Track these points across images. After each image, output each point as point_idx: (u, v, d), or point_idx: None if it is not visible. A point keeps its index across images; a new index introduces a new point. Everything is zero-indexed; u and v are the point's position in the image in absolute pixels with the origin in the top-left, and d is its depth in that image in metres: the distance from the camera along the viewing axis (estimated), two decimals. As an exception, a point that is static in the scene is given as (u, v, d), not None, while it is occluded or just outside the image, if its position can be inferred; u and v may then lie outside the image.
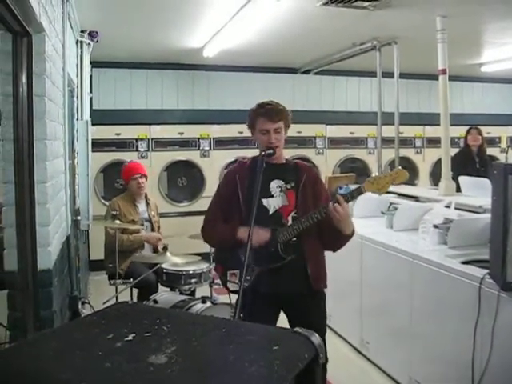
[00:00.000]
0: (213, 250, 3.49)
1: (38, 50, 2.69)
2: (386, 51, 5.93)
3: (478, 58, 7.22)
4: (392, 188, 5.17)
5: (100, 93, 7.05)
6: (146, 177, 4.80)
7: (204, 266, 4.10)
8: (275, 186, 2.68)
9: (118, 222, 4.23)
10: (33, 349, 1.29)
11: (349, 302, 4.22)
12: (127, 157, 6.83)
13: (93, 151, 5.68)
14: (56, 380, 1.12)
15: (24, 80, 2.62)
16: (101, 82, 7.08)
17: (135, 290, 4.25)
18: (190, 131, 7.33)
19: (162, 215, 5.24)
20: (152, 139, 7.17)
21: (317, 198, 2.67)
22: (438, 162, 6.47)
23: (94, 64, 6.17)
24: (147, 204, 4.80)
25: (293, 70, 8.03)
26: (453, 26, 4.75)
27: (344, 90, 8.36)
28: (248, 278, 2.53)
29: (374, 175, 2.57)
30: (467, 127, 6.20)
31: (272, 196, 2.67)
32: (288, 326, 2.78)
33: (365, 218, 4.63)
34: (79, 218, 4.70)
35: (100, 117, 6.63)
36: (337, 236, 2.60)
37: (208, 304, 3.64)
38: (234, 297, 2.53)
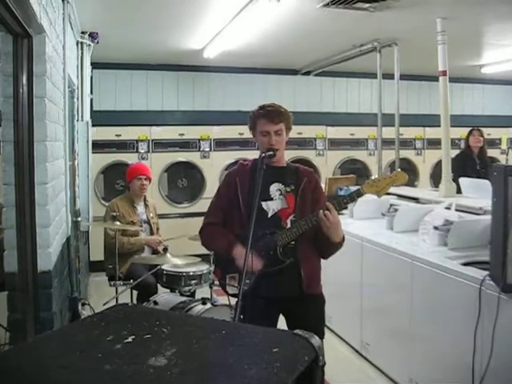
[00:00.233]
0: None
1: (39, 51, 2.69)
2: (387, 53, 5.94)
3: (479, 60, 7.22)
4: (392, 189, 5.18)
5: (100, 94, 7.06)
6: (150, 180, 4.81)
7: (204, 268, 4.09)
8: (275, 189, 2.68)
9: (117, 223, 4.23)
10: (33, 350, 1.29)
11: (349, 304, 4.22)
12: (127, 158, 6.84)
13: (93, 152, 5.69)
14: (56, 382, 1.12)
15: (24, 81, 2.63)
16: (101, 83, 7.10)
17: (135, 292, 4.25)
18: (191, 132, 7.33)
19: (162, 216, 5.24)
20: (152, 140, 7.17)
21: (315, 204, 2.67)
22: (439, 164, 6.48)
23: (95, 65, 6.18)
24: (146, 206, 4.80)
25: (293, 72, 8.04)
26: (453, 28, 4.76)
27: (344, 91, 8.37)
28: (247, 281, 2.53)
29: (373, 177, 2.58)
30: (468, 129, 6.20)
31: (271, 199, 2.66)
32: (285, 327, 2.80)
33: (365, 219, 4.63)
34: (79, 219, 4.71)
35: (100, 118, 6.64)
36: (326, 243, 2.59)
37: (208, 305, 3.63)
38: (234, 299, 2.53)
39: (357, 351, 4.14)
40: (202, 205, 6.70)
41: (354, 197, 2.56)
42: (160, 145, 7.20)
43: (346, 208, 2.58)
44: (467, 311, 2.80)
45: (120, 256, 4.10)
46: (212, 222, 2.78)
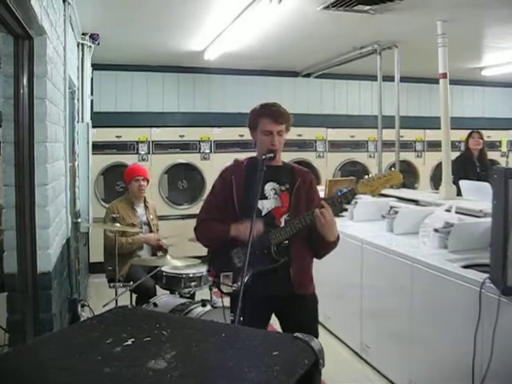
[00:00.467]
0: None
1: (40, 52, 2.69)
2: (387, 55, 5.94)
3: (479, 62, 7.23)
4: (392, 192, 5.20)
5: (101, 95, 7.07)
6: (148, 181, 4.80)
7: (204, 269, 4.08)
8: (270, 188, 2.68)
9: (117, 224, 4.23)
10: (32, 352, 1.29)
11: (349, 306, 4.22)
12: (128, 159, 6.84)
13: (93, 153, 5.69)
14: (55, 384, 1.12)
15: (25, 82, 2.62)
16: (102, 84, 7.10)
17: (135, 293, 4.25)
18: (191, 134, 7.34)
19: (162, 218, 5.24)
20: (152, 142, 7.17)
21: (309, 203, 2.67)
22: (439, 166, 6.49)
23: (95, 66, 6.19)
24: (145, 207, 4.80)
25: (293, 74, 8.05)
26: (453, 30, 4.76)
27: (345, 93, 8.37)
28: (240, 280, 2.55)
29: (367, 177, 2.55)
30: (468, 131, 6.19)
31: (266, 198, 2.66)
32: (279, 328, 2.82)
33: (365, 221, 4.63)
34: (79, 220, 4.70)
35: (101, 119, 6.65)
36: (320, 242, 2.59)
37: (208, 307, 3.63)
38: (233, 301, 2.52)
39: (356, 353, 4.14)
40: (202, 206, 6.68)
41: (347, 196, 2.55)
42: (160, 146, 7.20)
43: (342, 207, 2.55)
44: (467, 314, 2.80)
45: (120, 258, 4.10)
46: (205, 218, 2.78)
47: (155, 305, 3.79)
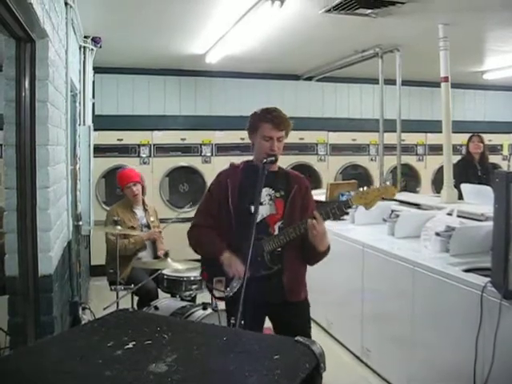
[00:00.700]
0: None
1: (41, 55, 2.70)
2: (388, 58, 5.94)
3: (480, 66, 7.23)
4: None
5: (102, 98, 7.08)
6: (139, 182, 4.76)
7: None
8: (265, 194, 2.67)
9: (119, 228, 4.22)
10: (33, 356, 1.28)
11: (350, 310, 4.21)
12: (129, 162, 6.84)
13: (95, 157, 5.69)
14: (56, 388, 1.12)
15: (27, 85, 2.63)
16: (103, 87, 7.11)
17: (136, 296, 4.24)
18: (192, 137, 7.34)
19: (162, 221, 5.23)
20: (154, 145, 7.18)
21: (304, 210, 2.67)
22: (440, 170, 6.47)
23: (97, 69, 6.18)
24: (145, 210, 4.79)
25: (295, 77, 8.05)
26: (455, 34, 4.76)
27: (346, 96, 8.38)
28: (235, 285, 2.57)
29: (361, 189, 2.56)
30: (469, 134, 6.18)
31: (261, 204, 2.65)
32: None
33: (366, 225, 4.62)
34: (80, 223, 4.70)
35: (102, 122, 6.65)
36: (312, 251, 2.59)
37: (209, 311, 3.63)
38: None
39: (358, 357, 4.12)
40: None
41: (342, 207, 2.55)
42: (162, 149, 7.20)
43: (336, 217, 2.52)
44: (469, 318, 2.79)
45: (121, 260, 4.10)
46: (200, 224, 2.78)
47: (156, 308, 3.78)
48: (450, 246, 3.47)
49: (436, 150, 7.80)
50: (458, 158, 6.16)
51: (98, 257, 5.38)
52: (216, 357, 1.24)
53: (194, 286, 4.03)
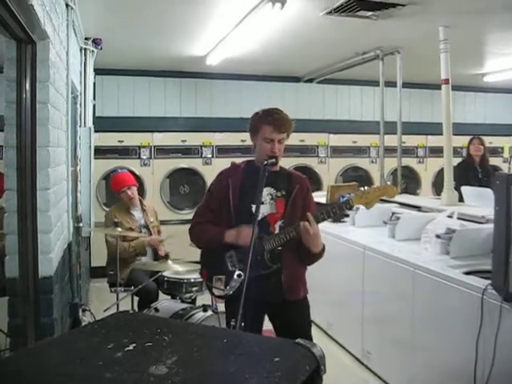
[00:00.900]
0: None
1: (42, 57, 2.70)
2: (389, 61, 5.94)
3: (481, 68, 7.23)
4: (394, 197, 5.17)
5: (103, 100, 7.09)
6: (134, 185, 4.77)
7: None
8: (266, 193, 2.68)
9: (119, 229, 4.22)
10: (33, 357, 1.28)
11: (350, 312, 4.20)
12: (130, 164, 6.85)
13: (95, 158, 5.70)
14: (56, 390, 1.12)
15: (28, 87, 2.63)
16: (104, 89, 7.12)
17: (136, 298, 4.24)
18: (193, 139, 7.34)
19: (163, 222, 5.24)
20: (154, 147, 7.18)
21: (305, 210, 2.67)
22: (441, 172, 6.47)
23: (98, 71, 6.19)
24: (143, 210, 4.79)
25: (296, 79, 8.06)
26: (455, 36, 4.77)
27: (347, 99, 8.38)
28: (234, 284, 2.54)
29: (362, 189, 2.57)
30: (470, 137, 6.20)
31: (262, 203, 2.65)
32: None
33: (367, 227, 4.62)
34: (81, 224, 4.71)
35: (103, 124, 6.66)
36: (306, 253, 2.61)
37: (209, 312, 3.62)
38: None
39: (358, 359, 4.12)
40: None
41: (342, 207, 2.56)
42: (162, 151, 7.21)
43: (336, 218, 2.53)
44: (469, 320, 2.79)
45: (121, 262, 4.09)
46: (200, 221, 2.78)
47: (156, 310, 3.78)
48: (450, 248, 3.47)
49: (436, 152, 7.79)
50: (459, 160, 6.16)
51: (99, 258, 5.38)
52: (216, 359, 1.24)
53: (194, 288, 4.03)
